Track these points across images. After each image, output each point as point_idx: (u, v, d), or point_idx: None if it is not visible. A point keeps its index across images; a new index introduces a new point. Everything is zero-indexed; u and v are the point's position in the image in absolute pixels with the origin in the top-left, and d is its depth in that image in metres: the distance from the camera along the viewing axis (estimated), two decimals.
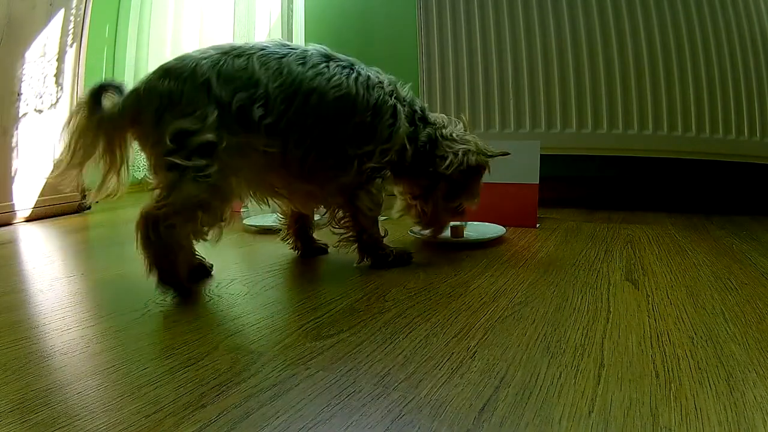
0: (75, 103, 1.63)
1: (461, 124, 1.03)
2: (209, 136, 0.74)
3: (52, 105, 1.56)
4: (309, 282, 0.90)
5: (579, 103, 1.56)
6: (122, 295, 0.80)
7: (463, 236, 1.14)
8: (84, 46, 1.67)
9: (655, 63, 1.49)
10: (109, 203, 0.83)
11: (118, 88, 0.79)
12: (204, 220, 0.76)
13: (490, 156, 1.02)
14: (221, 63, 0.79)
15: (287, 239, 1.05)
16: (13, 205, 1.48)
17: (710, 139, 1.48)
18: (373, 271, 0.93)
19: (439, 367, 0.54)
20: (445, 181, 0.98)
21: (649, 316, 0.67)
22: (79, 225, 1.48)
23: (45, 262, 1.04)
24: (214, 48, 0.82)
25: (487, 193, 1.07)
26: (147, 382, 0.51)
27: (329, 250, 1.06)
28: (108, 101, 0.78)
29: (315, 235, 1.07)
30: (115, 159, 0.79)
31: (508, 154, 1.07)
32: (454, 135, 0.99)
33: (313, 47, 0.89)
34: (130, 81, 1.18)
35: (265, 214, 1.34)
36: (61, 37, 1.57)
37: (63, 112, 1.59)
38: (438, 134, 0.98)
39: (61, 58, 1.58)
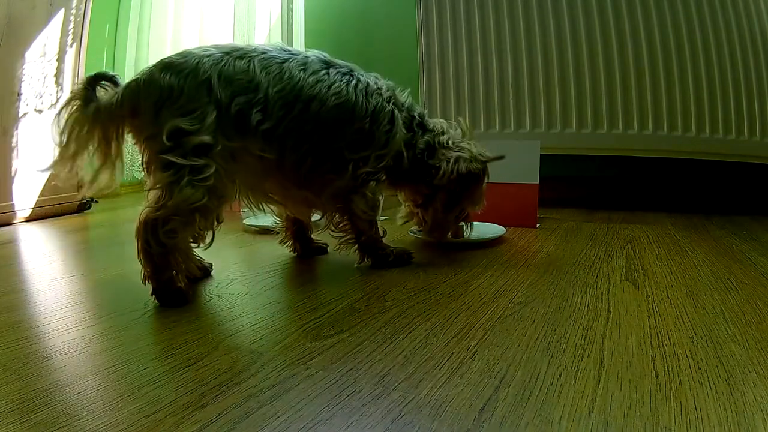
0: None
1: (459, 129, 1.03)
2: (206, 138, 0.74)
3: (52, 105, 1.56)
4: (309, 282, 0.90)
5: (579, 103, 1.56)
6: (122, 295, 0.80)
7: (463, 236, 1.14)
8: (84, 46, 1.67)
9: (655, 63, 1.49)
10: (109, 203, 0.82)
11: (112, 79, 0.79)
12: (202, 224, 0.76)
13: (485, 161, 1.01)
14: (223, 63, 0.79)
15: (285, 242, 1.05)
16: (13, 205, 1.48)
17: (710, 139, 1.48)
18: (373, 271, 0.93)
19: (439, 367, 0.54)
20: (443, 191, 0.98)
21: (649, 316, 0.67)
22: (79, 225, 1.48)
23: (45, 262, 1.04)
24: (215, 47, 0.82)
25: (487, 193, 1.07)
26: (147, 382, 0.51)
27: (329, 250, 1.06)
28: (103, 92, 0.78)
29: (315, 236, 1.07)
30: (109, 151, 0.78)
31: (502, 157, 1.05)
32: (450, 142, 0.99)
33: (313, 53, 0.89)
34: None
35: (264, 214, 1.34)
36: (61, 37, 1.57)
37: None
38: (436, 141, 0.98)
39: (61, 58, 1.58)
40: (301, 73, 0.84)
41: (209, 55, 0.79)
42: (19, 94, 1.46)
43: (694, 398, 0.46)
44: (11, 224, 1.46)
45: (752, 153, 1.46)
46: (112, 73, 0.79)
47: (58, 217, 1.57)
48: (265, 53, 0.83)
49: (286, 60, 0.84)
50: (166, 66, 0.77)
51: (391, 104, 0.92)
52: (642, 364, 0.53)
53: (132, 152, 1.57)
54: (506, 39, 1.60)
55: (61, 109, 0.77)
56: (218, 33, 2.09)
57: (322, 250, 1.07)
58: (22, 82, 1.46)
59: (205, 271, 0.90)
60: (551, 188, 1.51)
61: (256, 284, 0.85)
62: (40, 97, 1.53)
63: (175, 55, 0.80)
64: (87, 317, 0.70)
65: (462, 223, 1.15)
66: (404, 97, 0.97)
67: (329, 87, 0.85)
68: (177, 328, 0.66)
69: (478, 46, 1.63)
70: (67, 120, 0.77)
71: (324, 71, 0.86)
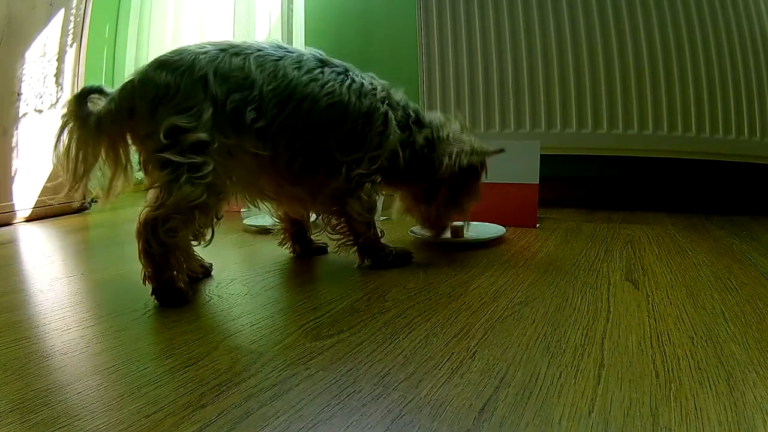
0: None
1: (458, 123, 1.02)
2: (203, 136, 0.74)
3: (52, 105, 1.56)
4: (309, 282, 0.90)
5: (579, 103, 1.56)
6: (122, 295, 0.80)
7: (463, 236, 1.14)
8: (84, 46, 1.67)
9: (655, 63, 1.49)
10: (109, 203, 0.82)
11: (99, 91, 0.78)
12: (202, 221, 0.76)
13: (485, 155, 1.00)
14: (219, 60, 0.79)
15: (285, 243, 1.05)
16: (13, 205, 1.48)
17: (710, 139, 1.48)
18: (373, 271, 0.93)
19: (439, 367, 0.54)
20: (445, 185, 0.97)
21: (649, 316, 0.67)
22: (79, 225, 1.48)
23: (45, 262, 1.04)
24: (211, 44, 0.81)
25: (487, 193, 1.07)
26: (147, 382, 0.51)
27: (328, 251, 1.06)
28: (94, 105, 0.77)
29: (314, 236, 1.07)
30: (119, 157, 0.79)
31: (502, 151, 1.05)
32: (450, 136, 0.98)
33: (309, 51, 0.89)
34: None
35: (264, 214, 1.34)
36: (61, 37, 1.57)
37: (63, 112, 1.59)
38: (436, 136, 0.97)
39: (61, 58, 1.58)
40: (296, 72, 0.84)
41: (205, 52, 0.79)
42: (19, 94, 1.46)
43: (694, 398, 0.46)
44: (11, 224, 1.46)
45: (752, 153, 1.46)
46: (97, 85, 0.79)
47: (58, 217, 1.57)
48: (260, 50, 0.83)
49: (281, 58, 0.84)
50: (161, 64, 0.77)
51: (385, 105, 0.92)
52: (642, 364, 0.53)
53: (132, 151, 1.57)
54: (506, 39, 1.60)
55: (59, 135, 0.77)
56: (218, 33, 2.09)
57: (322, 250, 1.06)
58: (22, 82, 1.46)
59: (206, 271, 0.90)
60: (551, 188, 1.50)
61: (256, 284, 0.85)
62: (40, 97, 1.53)
63: (170, 52, 0.80)
64: (87, 317, 0.70)
65: (462, 224, 1.15)
66: (399, 95, 0.97)
67: (323, 86, 0.85)
68: (177, 328, 0.66)
69: (478, 46, 1.63)
70: (70, 143, 0.76)
71: (318, 70, 0.86)
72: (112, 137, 0.77)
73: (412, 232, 1.16)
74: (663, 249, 1.05)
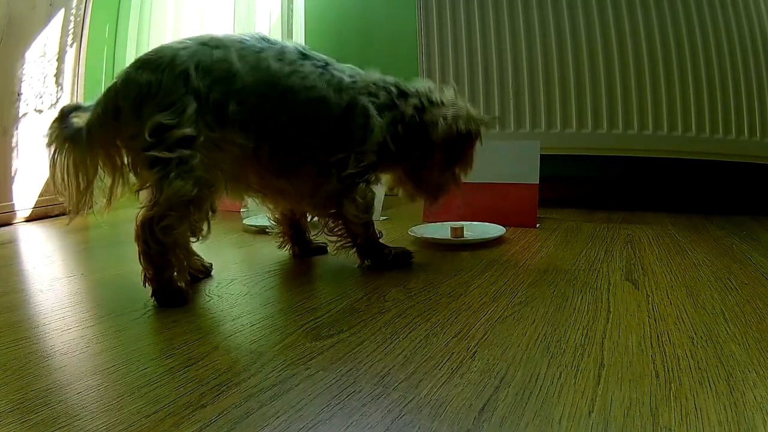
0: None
1: (452, 90, 0.98)
2: (188, 131, 0.74)
3: (52, 105, 1.56)
4: (309, 282, 0.90)
5: (579, 103, 1.56)
6: (122, 295, 0.80)
7: (463, 236, 1.14)
8: (84, 46, 1.67)
9: (655, 63, 1.49)
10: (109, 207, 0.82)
11: (78, 108, 0.78)
12: (197, 215, 0.76)
13: (482, 122, 0.97)
14: (200, 54, 0.78)
15: (284, 246, 1.05)
16: (13, 205, 1.48)
17: (710, 139, 1.48)
18: (373, 271, 0.93)
19: (439, 367, 0.54)
20: (440, 151, 0.93)
21: (649, 316, 0.67)
22: (79, 225, 1.48)
23: (45, 262, 1.04)
24: (192, 39, 0.81)
25: (487, 193, 1.07)
26: (147, 382, 0.51)
27: (328, 251, 1.06)
28: (78, 120, 0.77)
29: (314, 236, 1.06)
30: (116, 164, 0.79)
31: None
32: (443, 100, 0.95)
33: (291, 44, 0.88)
34: None
35: (264, 214, 1.34)
36: (61, 37, 1.57)
37: None
38: (425, 101, 0.93)
39: (61, 58, 1.58)
40: (278, 64, 0.83)
41: (185, 48, 0.79)
42: (19, 94, 1.46)
43: (694, 398, 0.46)
44: (11, 224, 1.46)
45: (752, 153, 1.46)
46: (75, 103, 0.79)
47: (58, 217, 1.57)
48: (242, 43, 0.83)
49: (263, 50, 0.83)
50: (142, 63, 0.77)
51: (364, 96, 0.89)
52: (642, 364, 0.53)
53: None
54: (506, 39, 1.60)
55: (53, 161, 0.77)
56: (218, 33, 2.09)
57: (322, 250, 1.06)
58: (22, 82, 1.46)
59: (206, 271, 0.90)
60: (551, 188, 1.50)
61: (256, 284, 0.85)
62: (40, 97, 1.53)
63: (150, 51, 0.80)
64: (87, 317, 0.70)
65: (462, 224, 1.15)
66: (375, 76, 0.93)
67: (303, 79, 0.85)
68: (177, 328, 0.66)
69: (478, 46, 1.63)
70: (67, 164, 0.76)
71: (300, 62, 0.85)
72: (106, 145, 0.77)
73: (412, 232, 1.16)
74: (663, 249, 1.05)
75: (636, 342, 0.59)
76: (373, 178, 0.92)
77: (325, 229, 0.94)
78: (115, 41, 2.21)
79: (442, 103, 0.94)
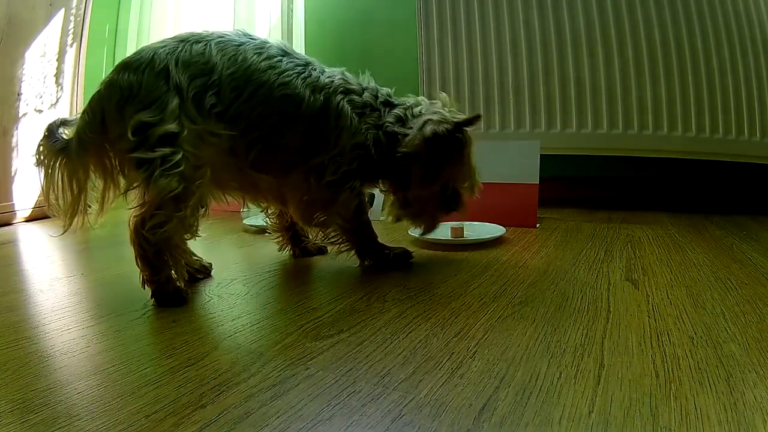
0: (75, 103, 1.63)
1: (439, 102, 0.92)
2: (170, 127, 0.74)
3: (52, 105, 1.56)
4: (309, 282, 0.90)
5: (579, 103, 1.56)
6: (122, 295, 0.80)
7: (463, 236, 1.14)
8: (84, 46, 1.67)
9: (655, 63, 1.49)
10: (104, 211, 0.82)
11: (64, 122, 0.79)
12: (187, 211, 0.76)
13: (457, 123, 0.87)
14: (179, 50, 0.79)
15: (284, 248, 1.05)
16: (13, 205, 1.48)
17: (710, 139, 1.48)
18: (373, 271, 0.93)
19: (439, 367, 0.54)
20: (418, 164, 0.87)
21: (649, 316, 0.67)
22: (78, 225, 1.48)
23: (45, 262, 1.04)
24: (172, 38, 0.82)
25: (487, 193, 1.06)
26: (147, 382, 0.51)
27: (328, 250, 1.06)
28: (66, 133, 0.78)
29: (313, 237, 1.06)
30: (107, 168, 0.79)
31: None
32: (423, 111, 0.89)
33: (274, 41, 0.87)
34: None
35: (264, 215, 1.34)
36: (61, 37, 1.57)
37: (63, 112, 1.59)
38: (408, 113, 0.89)
39: (61, 58, 1.58)
40: (255, 57, 0.83)
41: (164, 46, 0.79)
42: (19, 94, 1.46)
43: (694, 398, 0.46)
44: (11, 224, 1.46)
45: (752, 153, 1.46)
46: (61, 118, 0.80)
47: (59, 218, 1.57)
48: (222, 37, 0.83)
49: (243, 43, 0.83)
50: (124, 66, 0.78)
51: (339, 95, 0.86)
52: (642, 364, 0.53)
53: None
54: (506, 39, 1.60)
55: (47, 177, 0.77)
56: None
57: (322, 250, 1.06)
58: (22, 82, 1.46)
59: (206, 271, 0.90)
60: (551, 188, 1.50)
61: (256, 284, 0.85)
62: (40, 97, 1.53)
63: (132, 54, 0.80)
64: (87, 317, 0.70)
65: (461, 224, 1.15)
66: (366, 81, 0.91)
67: (279, 75, 0.83)
68: (177, 328, 0.66)
69: (478, 46, 1.63)
70: (62, 178, 0.77)
71: (278, 58, 0.84)
72: (96, 150, 0.77)
73: (412, 232, 1.16)
74: (663, 249, 1.05)
75: (636, 342, 0.59)
76: (357, 184, 0.88)
77: (320, 236, 0.94)
78: (115, 41, 2.21)
79: (421, 113, 0.89)
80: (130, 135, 0.73)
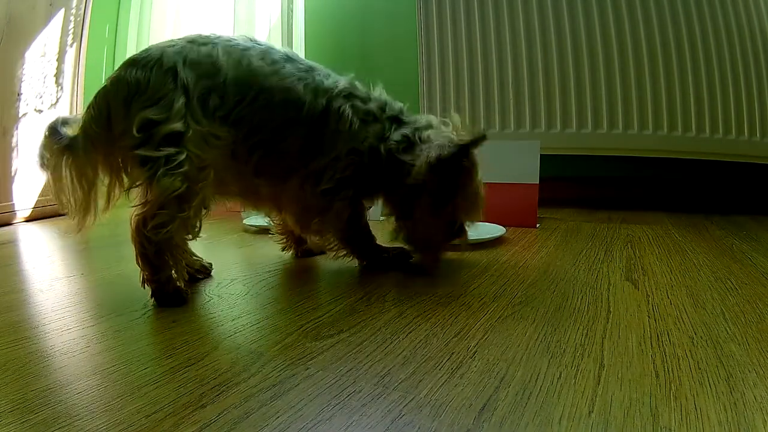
0: (75, 103, 1.64)
1: (450, 123, 0.88)
2: (175, 126, 0.73)
3: (52, 105, 1.56)
4: (309, 282, 0.90)
5: (579, 103, 1.56)
6: (122, 295, 0.80)
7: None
8: (84, 46, 1.67)
9: (655, 63, 1.49)
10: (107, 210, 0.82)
11: (65, 122, 0.78)
12: (189, 212, 0.75)
13: (462, 146, 0.82)
14: (188, 50, 0.79)
15: (288, 249, 1.05)
16: (13, 205, 1.48)
17: (710, 139, 1.48)
18: (373, 271, 0.93)
19: (439, 367, 0.54)
20: (426, 194, 0.84)
21: (649, 316, 0.67)
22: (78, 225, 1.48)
23: (45, 262, 1.04)
24: (180, 38, 0.82)
25: (487, 193, 1.06)
26: (147, 382, 0.51)
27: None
28: (69, 130, 0.77)
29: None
30: (113, 164, 0.78)
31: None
32: (431, 137, 0.85)
33: (280, 48, 0.87)
34: None
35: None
36: (61, 37, 1.57)
37: (63, 111, 1.59)
38: (417, 136, 0.86)
39: (61, 58, 1.58)
40: (260, 62, 0.82)
41: (173, 46, 0.79)
42: (19, 94, 1.46)
43: (694, 398, 0.46)
44: (11, 224, 1.46)
45: (752, 153, 1.46)
46: (63, 117, 0.79)
47: (58, 217, 1.57)
48: (229, 41, 0.83)
49: (248, 48, 0.83)
50: (131, 63, 0.77)
51: (341, 99, 0.85)
52: (642, 364, 0.53)
53: None
54: (506, 39, 1.60)
55: (54, 177, 0.76)
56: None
57: (324, 250, 1.06)
58: (22, 82, 1.46)
59: (206, 271, 0.90)
60: (551, 188, 1.51)
61: (256, 284, 0.85)
62: (40, 97, 1.53)
63: (139, 51, 0.80)
64: (87, 317, 0.70)
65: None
66: (375, 90, 0.89)
67: (281, 80, 0.83)
68: (177, 328, 0.66)
69: (478, 46, 1.63)
70: (70, 175, 0.76)
71: (282, 63, 0.84)
72: (103, 145, 0.76)
73: None
74: (663, 249, 1.05)
75: (636, 342, 0.59)
76: (351, 193, 0.86)
77: (324, 244, 0.94)
78: (115, 41, 2.21)
79: (429, 138, 0.85)
80: (135, 131, 0.73)
